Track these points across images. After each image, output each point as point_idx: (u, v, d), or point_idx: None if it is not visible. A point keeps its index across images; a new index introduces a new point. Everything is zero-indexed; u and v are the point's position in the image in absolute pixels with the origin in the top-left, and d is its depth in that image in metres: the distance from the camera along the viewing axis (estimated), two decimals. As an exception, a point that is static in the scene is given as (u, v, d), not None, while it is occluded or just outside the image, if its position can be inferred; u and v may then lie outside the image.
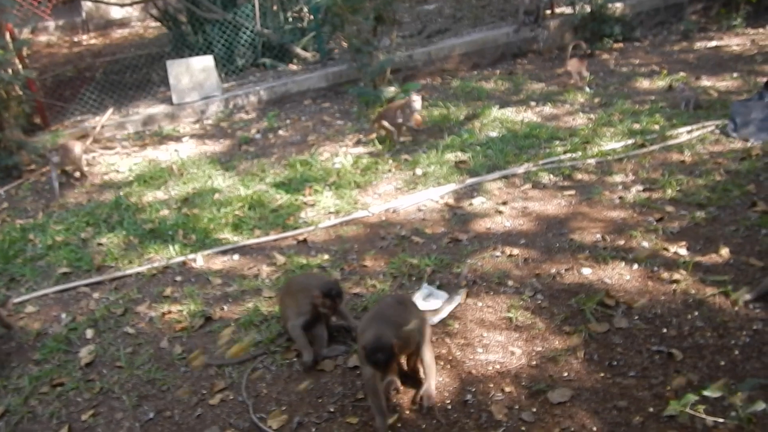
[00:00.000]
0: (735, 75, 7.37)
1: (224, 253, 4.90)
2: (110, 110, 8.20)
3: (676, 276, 3.92)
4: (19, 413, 3.47)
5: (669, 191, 4.94)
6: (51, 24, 13.16)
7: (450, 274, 4.25)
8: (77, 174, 6.63)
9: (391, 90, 7.65)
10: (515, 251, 4.42)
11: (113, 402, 3.49)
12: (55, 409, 3.47)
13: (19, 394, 3.61)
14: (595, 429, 2.93)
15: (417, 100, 6.40)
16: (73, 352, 3.94)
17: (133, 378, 3.64)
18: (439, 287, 4.10)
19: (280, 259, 4.69)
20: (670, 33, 9.44)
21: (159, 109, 8.23)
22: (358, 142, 6.80)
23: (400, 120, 6.39)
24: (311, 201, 5.56)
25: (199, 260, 4.80)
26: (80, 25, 13.30)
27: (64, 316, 4.32)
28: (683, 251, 4.18)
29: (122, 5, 11.30)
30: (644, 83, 7.54)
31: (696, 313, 3.60)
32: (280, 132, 7.49)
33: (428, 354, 3.20)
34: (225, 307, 4.19)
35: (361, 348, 2.93)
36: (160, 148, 7.45)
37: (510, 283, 4.09)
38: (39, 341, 4.09)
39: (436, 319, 3.74)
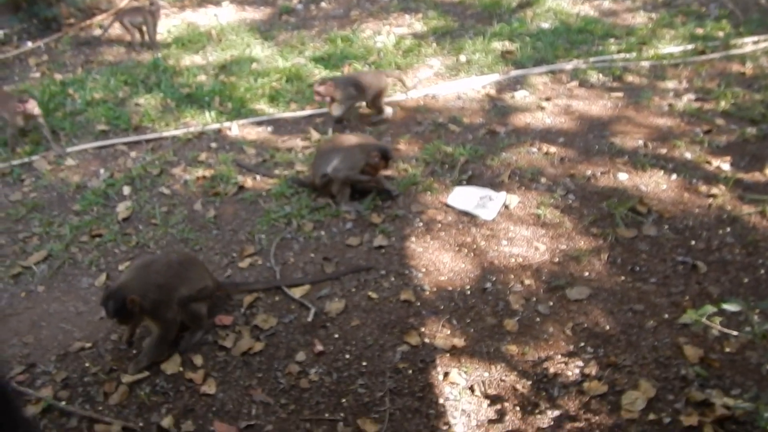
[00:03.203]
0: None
1: (259, 123, 4.91)
2: (151, -33, 7.93)
3: (715, 191, 3.84)
4: (60, 258, 3.66)
5: (722, 103, 4.72)
6: None
7: (483, 165, 4.22)
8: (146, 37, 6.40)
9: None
10: (552, 149, 4.35)
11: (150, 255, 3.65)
12: (94, 257, 3.66)
13: (60, 241, 3.80)
14: (607, 327, 3.01)
15: None
16: (111, 207, 4.08)
17: (167, 236, 3.79)
18: (471, 178, 4.09)
19: (315, 135, 4.69)
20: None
21: (200, -31, 7.94)
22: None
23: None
24: (350, 79, 5.45)
25: (234, 129, 4.83)
26: None
27: (102, 171, 4.44)
28: (726, 166, 4.06)
29: None
30: (715, -16, 7.01)
31: (728, 229, 3.56)
32: (323, 4, 7.23)
33: (197, 310, 3.06)
34: (258, 177, 4.26)
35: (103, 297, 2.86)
36: (199, 11, 7.27)
37: (543, 180, 4.05)
38: (78, 193, 4.23)
39: (492, 215, 3.77)
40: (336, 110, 4.62)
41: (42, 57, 6.37)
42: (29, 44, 6.64)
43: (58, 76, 5.82)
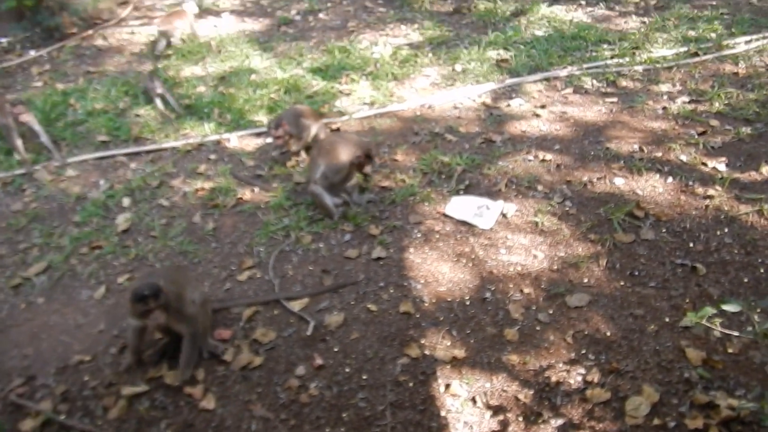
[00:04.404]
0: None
1: (258, 135, 4.92)
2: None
3: (711, 192, 3.85)
4: (60, 270, 3.67)
5: (716, 104, 4.75)
6: None
7: (480, 175, 4.23)
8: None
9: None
10: (548, 156, 4.36)
11: (147, 269, 3.65)
12: (93, 269, 3.66)
13: (60, 252, 3.80)
14: (608, 333, 3.01)
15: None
16: (111, 218, 4.09)
17: (167, 248, 3.79)
18: (468, 187, 4.10)
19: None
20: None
21: (198, -19, 7.99)
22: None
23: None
24: (347, 90, 5.48)
25: (233, 140, 4.84)
26: None
27: (102, 182, 4.45)
28: (722, 167, 4.08)
29: None
30: (708, -13, 7.05)
31: (726, 230, 3.57)
32: (321, 15, 7.27)
33: (190, 333, 2.93)
34: (256, 190, 4.26)
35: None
36: (199, 21, 7.29)
37: (540, 187, 4.06)
38: (79, 204, 4.24)
39: (490, 224, 3.77)
40: (296, 145, 4.53)
41: (44, 66, 6.40)
42: (32, 53, 6.67)
43: (60, 86, 5.86)
